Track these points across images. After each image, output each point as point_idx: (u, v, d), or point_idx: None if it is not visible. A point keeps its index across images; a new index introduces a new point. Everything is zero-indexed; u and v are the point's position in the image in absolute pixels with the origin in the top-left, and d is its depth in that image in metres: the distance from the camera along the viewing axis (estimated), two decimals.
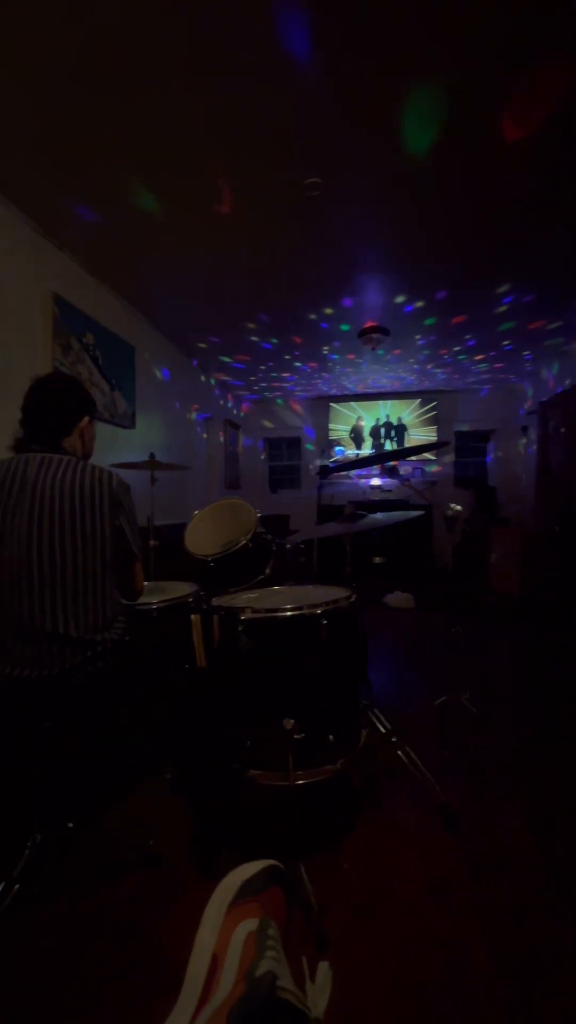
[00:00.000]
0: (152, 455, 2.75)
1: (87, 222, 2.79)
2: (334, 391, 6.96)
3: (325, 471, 6.48)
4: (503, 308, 4.07)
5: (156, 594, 1.82)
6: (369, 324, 4.40)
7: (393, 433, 7.14)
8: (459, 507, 2.14)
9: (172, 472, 3.43)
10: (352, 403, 7.23)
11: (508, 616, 4.18)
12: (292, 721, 1.23)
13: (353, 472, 6.88)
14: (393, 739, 1.69)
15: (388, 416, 7.17)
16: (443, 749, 1.92)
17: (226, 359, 5.40)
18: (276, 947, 0.65)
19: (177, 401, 5.02)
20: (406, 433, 7.10)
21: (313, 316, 4.23)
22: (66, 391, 1.36)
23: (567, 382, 5.11)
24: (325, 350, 5.14)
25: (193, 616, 1.66)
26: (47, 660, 1.15)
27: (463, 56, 1.80)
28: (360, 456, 7.18)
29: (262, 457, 7.74)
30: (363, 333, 4.48)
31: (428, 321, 4.38)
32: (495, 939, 1.10)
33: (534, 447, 5.83)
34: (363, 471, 6.88)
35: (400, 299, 3.91)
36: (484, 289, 3.75)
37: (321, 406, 7.34)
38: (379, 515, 1.89)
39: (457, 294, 3.83)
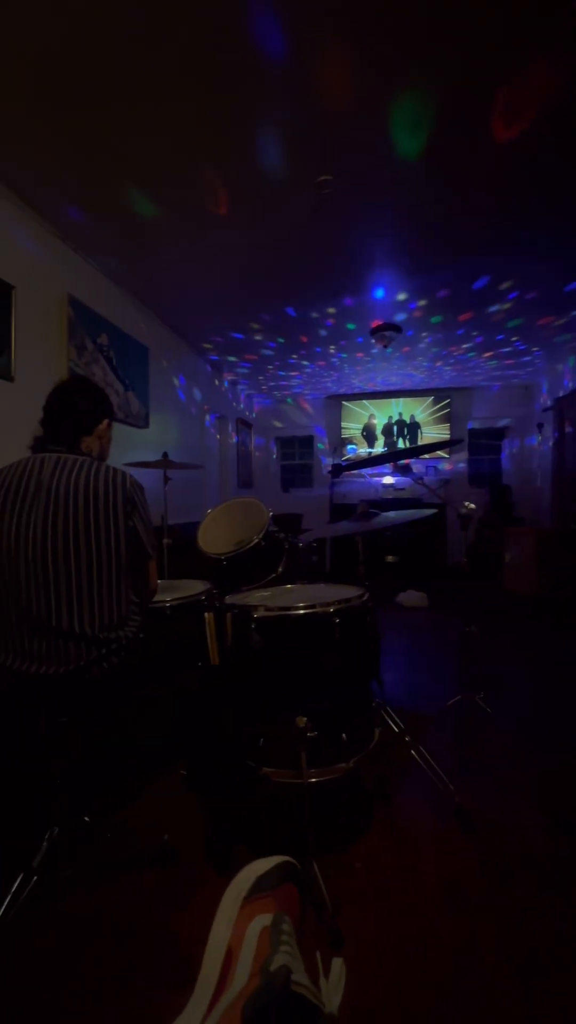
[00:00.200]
0: (165, 454, 2.77)
1: (99, 225, 2.83)
2: (343, 390, 6.94)
3: (337, 470, 6.45)
4: (507, 305, 4.05)
5: (170, 592, 1.83)
6: (376, 323, 4.38)
7: (406, 431, 7.09)
8: (473, 505, 2.13)
9: (185, 471, 3.45)
10: (364, 401, 7.20)
11: (523, 616, 4.13)
12: (305, 719, 1.23)
13: (366, 470, 6.85)
14: (407, 738, 1.68)
15: (401, 414, 7.13)
16: (459, 749, 1.91)
17: (233, 359, 5.42)
18: (290, 942, 0.66)
19: (190, 401, 5.05)
20: (419, 431, 7.05)
21: (316, 315, 4.24)
22: (88, 393, 1.40)
23: None
24: (332, 349, 5.13)
25: (207, 614, 1.67)
26: (63, 657, 1.17)
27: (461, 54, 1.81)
28: (373, 454, 7.15)
29: (274, 456, 7.75)
30: (375, 331, 4.46)
31: (434, 319, 4.36)
32: (509, 940, 1.09)
33: (550, 444, 5.75)
34: (376, 469, 6.84)
35: (402, 296, 3.91)
36: (488, 287, 3.74)
37: (333, 404, 7.32)
38: (392, 513, 1.88)
39: (460, 291, 3.81)
